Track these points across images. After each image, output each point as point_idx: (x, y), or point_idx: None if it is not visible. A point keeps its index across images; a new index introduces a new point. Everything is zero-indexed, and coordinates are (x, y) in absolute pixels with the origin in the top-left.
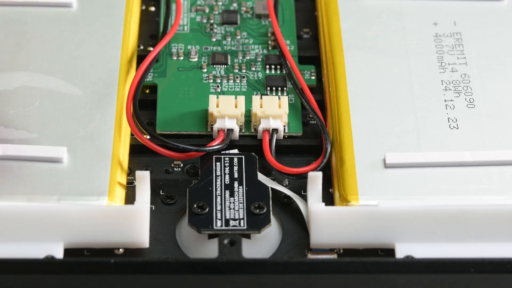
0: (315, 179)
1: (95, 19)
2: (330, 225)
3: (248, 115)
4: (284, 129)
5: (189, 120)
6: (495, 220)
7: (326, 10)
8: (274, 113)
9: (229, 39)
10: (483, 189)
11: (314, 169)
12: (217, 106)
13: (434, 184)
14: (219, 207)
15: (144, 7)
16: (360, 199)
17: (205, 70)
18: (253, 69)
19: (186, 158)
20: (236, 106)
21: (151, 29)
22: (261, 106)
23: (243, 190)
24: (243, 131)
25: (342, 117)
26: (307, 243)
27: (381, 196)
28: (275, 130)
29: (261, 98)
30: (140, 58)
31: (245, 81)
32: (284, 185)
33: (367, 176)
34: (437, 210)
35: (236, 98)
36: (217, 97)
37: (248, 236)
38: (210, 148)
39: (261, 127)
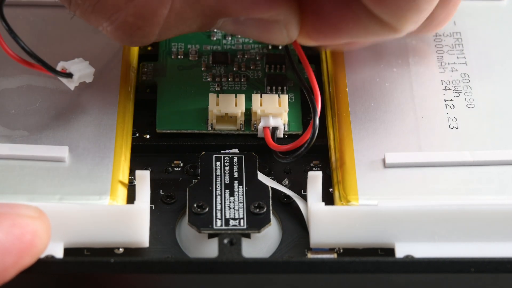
0: (315, 179)
1: None
2: (330, 224)
3: (248, 113)
4: (284, 127)
5: (189, 119)
6: (495, 220)
7: None
8: (274, 111)
9: (229, 38)
10: (483, 189)
11: (305, 142)
12: (217, 104)
13: (434, 184)
14: (219, 207)
15: None
16: (360, 199)
17: (205, 69)
18: (253, 68)
19: None
20: (236, 105)
21: None
22: (261, 105)
23: (243, 190)
24: (243, 129)
25: (342, 117)
26: (307, 242)
27: (381, 196)
28: (275, 129)
29: (261, 97)
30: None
31: (245, 80)
32: (284, 184)
33: (367, 176)
34: (437, 210)
35: (236, 96)
36: (217, 96)
37: (248, 236)
38: None
39: (261, 126)
